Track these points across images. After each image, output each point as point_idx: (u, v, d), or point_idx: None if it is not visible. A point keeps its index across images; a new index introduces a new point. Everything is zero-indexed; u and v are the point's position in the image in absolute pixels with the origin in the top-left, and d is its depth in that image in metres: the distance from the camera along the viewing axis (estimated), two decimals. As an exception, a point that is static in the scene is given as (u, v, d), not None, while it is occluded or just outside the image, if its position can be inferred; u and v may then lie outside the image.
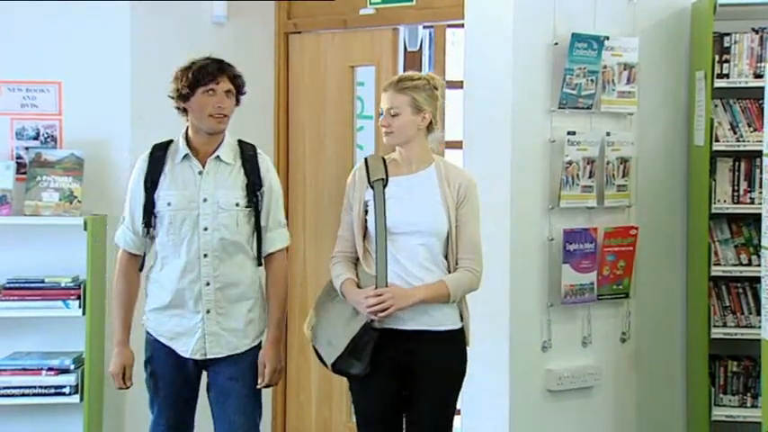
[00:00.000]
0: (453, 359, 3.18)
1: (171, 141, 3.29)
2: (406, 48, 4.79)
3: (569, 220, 3.80)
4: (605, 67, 3.77)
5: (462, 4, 3.94)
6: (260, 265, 3.33)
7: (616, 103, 3.83)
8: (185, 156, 3.24)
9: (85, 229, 4.00)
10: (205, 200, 3.21)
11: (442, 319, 3.14)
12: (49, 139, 4.24)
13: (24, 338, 4.19)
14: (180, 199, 3.21)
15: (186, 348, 3.24)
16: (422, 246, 3.13)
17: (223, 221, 3.21)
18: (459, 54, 4.52)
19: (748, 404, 3.89)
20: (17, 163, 4.18)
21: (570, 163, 3.73)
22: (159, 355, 3.28)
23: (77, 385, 4.04)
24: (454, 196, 3.16)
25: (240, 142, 3.31)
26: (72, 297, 4.04)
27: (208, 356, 3.24)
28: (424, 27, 5.85)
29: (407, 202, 3.17)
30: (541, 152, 3.74)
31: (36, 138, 4.24)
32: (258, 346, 3.31)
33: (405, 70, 4.74)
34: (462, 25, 4.03)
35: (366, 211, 3.19)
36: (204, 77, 3.19)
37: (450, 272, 3.15)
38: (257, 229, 3.30)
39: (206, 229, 3.20)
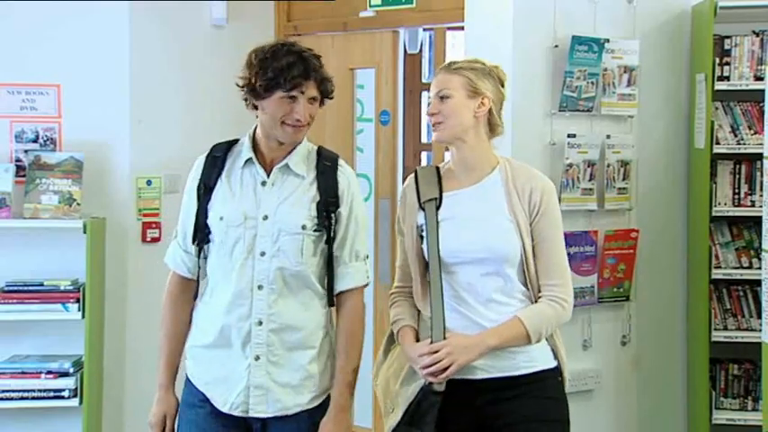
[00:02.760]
0: (549, 406, 2.58)
1: (236, 141, 2.70)
2: (406, 50, 4.79)
3: (570, 223, 3.77)
4: (605, 69, 3.77)
5: (462, 7, 3.94)
6: (331, 305, 2.69)
7: (616, 106, 3.82)
8: (248, 160, 2.63)
9: (85, 231, 3.99)
10: (265, 217, 2.59)
11: (527, 361, 2.56)
12: (48, 142, 4.24)
13: (23, 341, 4.18)
14: (234, 213, 2.59)
15: (224, 400, 2.61)
16: (490, 276, 2.54)
17: (284, 246, 2.58)
18: (460, 57, 4.52)
19: (749, 407, 3.88)
20: (16, 165, 4.17)
21: (570, 165, 3.72)
22: (193, 401, 2.65)
23: (76, 389, 4.02)
24: (525, 207, 2.56)
25: (320, 150, 2.68)
26: (71, 300, 4.03)
27: (250, 414, 2.60)
28: (424, 30, 5.84)
29: (465, 224, 2.57)
30: (541, 155, 3.73)
31: (35, 140, 4.23)
32: (319, 409, 2.65)
33: (405, 73, 4.75)
34: (462, 28, 4.03)
35: (422, 237, 2.61)
36: (287, 81, 2.55)
37: (534, 302, 2.56)
38: (329, 260, 2.65)
39: (263, 254, 2.58)
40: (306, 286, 2.62)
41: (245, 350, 2.59)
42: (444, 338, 2.52)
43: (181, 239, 2.70)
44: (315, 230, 2.61)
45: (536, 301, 2.57)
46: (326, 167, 2.66)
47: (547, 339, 2.60)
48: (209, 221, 2.62)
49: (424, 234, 2.61)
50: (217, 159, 2.65)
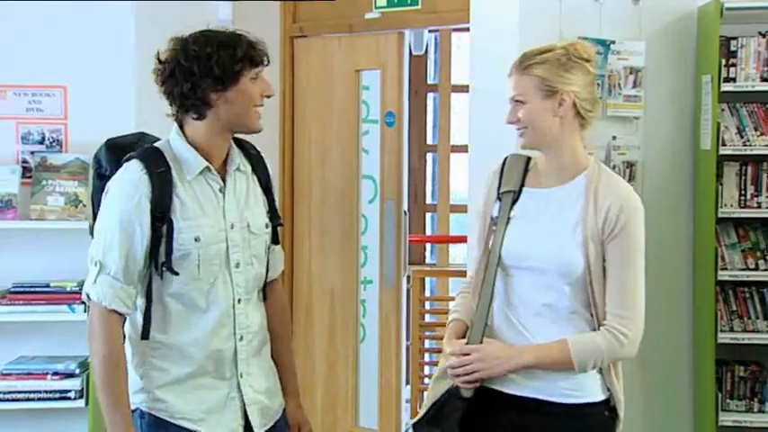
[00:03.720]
0: None
1: (157, 150, 2.41)
2: (411, 52, 4.80)
3: (575, 225, 3.78)
4: (611, 70, 3.76)
5: (468, 8, 3.94)
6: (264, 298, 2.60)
7: (622, 107, 3.81)
8: (203, 169, 2.41)
9: (91, 233, 3.98)
10: (232, 226, 2.43)
11: (569, 389, 2.32)
12: (54, 144, 4.25)
13: (29, 343, 4.20)
14: (210, 229, 2.39)
15: (226, 428, 2.45)
16: (543, 289, 2.32)
17: (254, 251, 2.47)
18: (465, 58, 4.51)
19: (755, 409, 3.87)
20: (23, 167, 4.19)
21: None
22: None
23: (82, 390, 4.04)
24: (599, 222, 2.28)
25: (234, 140, 2.51)
26: (77, 301, 4.03)
27: None
28: (430, 31, 5.85)
29: (533, 227, 2.35)
30: (547, 156, 3.72)
31: (41, 142, 4.25)
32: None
33: (410, 74, 4.76)
34: (468, 29, 4.03)
35: (493, 231, 2.41)
36: (257, 56, 2.38)
37: (596, 330, 2.30)
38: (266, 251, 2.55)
39: (237, 265, 2.43)
40: (258, 286, 2.53)
41: (230, 370, 2.44)
42: (481, 342, 2.34)
43: (118, 272, 2.34)
44: (272, 226, 2.52)
45: (597, 329, 2.32)
46: (255, 157, 2.54)
47: (601, 373, 2.36)
48: (181, 245, 2.35)
49: (495, 227, 2.39)
50: (163, 175, 2.35)
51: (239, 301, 2.45)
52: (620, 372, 2.42)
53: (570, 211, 2.33)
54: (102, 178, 2.51)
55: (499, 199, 2.42)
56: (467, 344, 2.37)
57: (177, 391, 2.42)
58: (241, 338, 2.46)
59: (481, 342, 2.34)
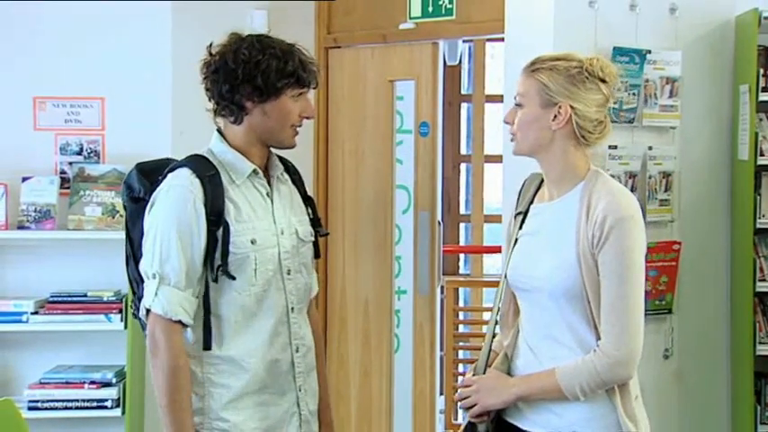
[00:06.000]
0: None
1: (201, 156, 2.38)
2: (445, 62, 4.80)
3: (611, 235, 3.75)
4: (647, 80, 3.74)
5: (502, 19, 3.94)
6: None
7: (658, 117, 3.79)
8: (251, 173, 2.38)
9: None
10: (282, 231, 2.39)
11: (577, 422, 2.17)
12: (92, 154, 4.30)
13: (67, 352, 4.24)
14: (264, 233, 2.34)
15: None
16: (547, 310, 2.19)
17: (303, 259, 2.43)
18: (499, 68, 4.51)
19: (794, 422, 3.83)
20: (61, 178, 4.24)
21: (612, 177, 3.69)
22: None
23: (119, 399, 4.07)
24: (589, 234, 2.14)
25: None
26: (114, 311, 4.07)
27: None
28: (464, 41, 5.84)
29: (532, 245, 2.26)
30: (582, 166, 3.70)
31: (79, 153, 4.30)
32: None
33: (444, 85, 4.76)
34: (502, 39, 4.02)
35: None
36: (305, 77, 2.37)
37: None
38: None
39: (289, 272, 2.38)
40: (308, 298, 2.50)
41: (287, 383, 2.38)
42: (485, 372, 2.29)
43: (181, 281, 2.26)
44: (317, 235, 2.49)
45: None
46: (292, 168, 2.52)
47: (619, 409, 2.18)
48: (237, 249, 2.30)
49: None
50: (214, 179, 2.30)
51: (292, 309, 2.39)
52: (637, 406, 2.23)
53: (566, 224, 2.19)
54: (136, 201, 2.46)
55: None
56: (473, 374, 2.31)
57: (239, 409, 2.33)
58: (297, 350, 2.40)
59: (484, 372, 2.29)
